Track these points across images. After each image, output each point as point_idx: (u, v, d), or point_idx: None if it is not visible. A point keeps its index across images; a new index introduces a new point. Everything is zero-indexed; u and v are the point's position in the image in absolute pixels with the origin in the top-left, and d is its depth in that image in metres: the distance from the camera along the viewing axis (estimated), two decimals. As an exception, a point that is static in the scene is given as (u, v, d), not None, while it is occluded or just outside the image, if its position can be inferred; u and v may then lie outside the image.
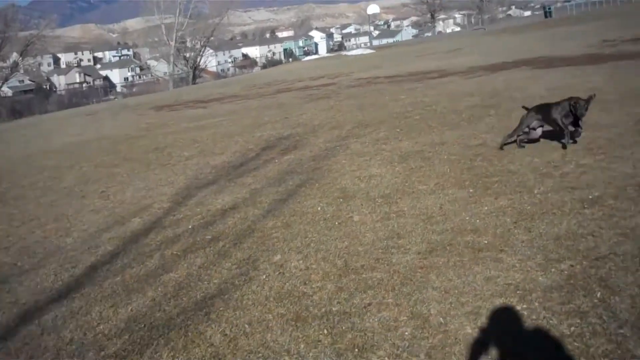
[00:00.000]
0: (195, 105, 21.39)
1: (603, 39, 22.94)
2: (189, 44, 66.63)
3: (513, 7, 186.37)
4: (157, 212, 7.01)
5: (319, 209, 6.00)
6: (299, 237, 5.29)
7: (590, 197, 5.01)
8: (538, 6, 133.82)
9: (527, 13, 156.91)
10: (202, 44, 68.47)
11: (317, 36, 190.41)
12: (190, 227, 6.16)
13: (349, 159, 8.07)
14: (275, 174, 7.91)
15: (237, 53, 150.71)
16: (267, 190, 7.11)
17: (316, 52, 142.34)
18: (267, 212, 6.18)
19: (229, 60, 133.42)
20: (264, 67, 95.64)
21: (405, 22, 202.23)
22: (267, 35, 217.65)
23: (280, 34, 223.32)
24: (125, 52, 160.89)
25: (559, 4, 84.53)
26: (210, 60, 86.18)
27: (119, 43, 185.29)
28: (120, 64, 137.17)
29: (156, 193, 7.97)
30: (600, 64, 14.30)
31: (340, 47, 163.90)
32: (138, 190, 8.30)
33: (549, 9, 67.76)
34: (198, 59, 67.79)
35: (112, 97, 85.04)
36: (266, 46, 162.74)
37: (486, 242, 4.50)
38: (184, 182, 8.40)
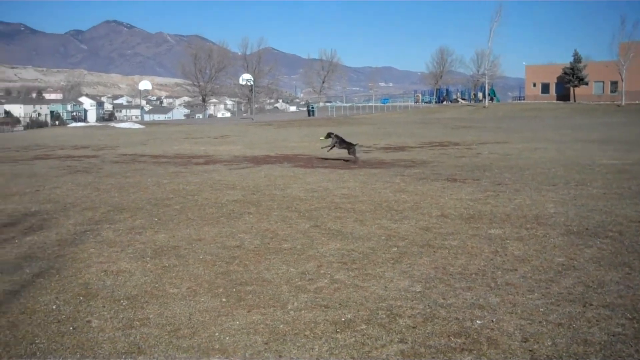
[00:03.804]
0: (-64, 163, 19.10)
1: (359, 144, 24.69)
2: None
3: (280, 100, 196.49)
4: None
5: (54, 307, 5.35)
6: (24, 343, 4.60)
7: (342, 319, 4.98)
8: (303, 102, 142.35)
9: (293, 108, 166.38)
10: (-43, 94, 62.70)
11: (87, 103, 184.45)
12: None
13: (99, 248, 7.46)
14: (11, 258, 7.04)
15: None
16: (-1, 277, 6.27)
17: (85, 119, 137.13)
18: (-7, 307, 5.39)
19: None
20: (27, 127, 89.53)
21: (178, 101, 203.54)
22: (34, 95, 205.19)
23: (48, 96, 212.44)
24: None
25: (321, 104, 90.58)
26: (-33, 113, 79.35)
27: None
28: None
29: None
30: (355, 170, 15.20)
31: (111, 116, 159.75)
32: None
33: (313, 107, 72.24)
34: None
35: None
36: (31, 106, 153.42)
37: (234, 366, 4.23)
38: None
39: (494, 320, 4.91)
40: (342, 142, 17.12)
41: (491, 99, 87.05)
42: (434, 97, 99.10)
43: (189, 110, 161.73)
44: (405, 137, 28.66)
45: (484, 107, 76.55)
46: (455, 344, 4.48)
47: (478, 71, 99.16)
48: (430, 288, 5.73)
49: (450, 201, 10.35)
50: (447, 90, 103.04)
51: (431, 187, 11.95)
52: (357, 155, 17.22)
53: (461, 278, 6.03)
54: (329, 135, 17.32)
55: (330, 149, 17.20)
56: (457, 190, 11.59)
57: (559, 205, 9.85)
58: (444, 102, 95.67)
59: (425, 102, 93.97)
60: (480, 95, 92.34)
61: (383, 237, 7.80)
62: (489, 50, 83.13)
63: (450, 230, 8.17)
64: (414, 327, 4.78)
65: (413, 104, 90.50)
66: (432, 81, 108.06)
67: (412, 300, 5.39)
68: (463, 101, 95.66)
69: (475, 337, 4.59)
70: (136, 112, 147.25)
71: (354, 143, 17.41)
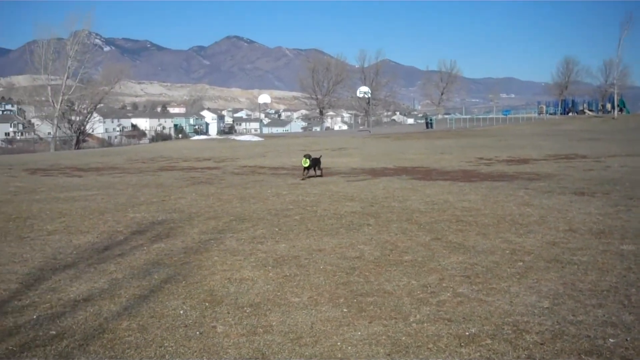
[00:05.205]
0: (72, 173, 20.40)
1: (479, 156, 24.16)
2: (75, 108, 65.02)
3: (398, 112, 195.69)
4: (1, 294, 6.27)
5: (181, 312, 5.55)
6: (154, 346, 4.79)
7: (466, 333, 4.86)
8: (421, 115, 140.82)
9: (410, 120, 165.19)
10: (89, 109, 66.96)
11: (209, 116, 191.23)
12: (35, 317, 5.50)
13: (222, 256, 7.68)
14: (141, 264, 7.38)
15: (127, 122, 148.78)
16: (129, 282, 6.57)
17: (206, 132, 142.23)
18: (124, 310, 5.65)
19: (117, 128, 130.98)
20: (153, 140, 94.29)
21: (296, 114, 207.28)
22: (159, 109, 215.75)
23: (172, 110, 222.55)
24: (9, 107, 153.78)
25: (439, 116, 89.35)
26: (98, 127, 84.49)
27: (2, 98, 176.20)
28: (2, 118, 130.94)
29: (5, 270, 7.18)
30: (476, 182, 14.86)
31: (231, 129, 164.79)
32: (-16, 266, 7.47)
33: (431, 120, 71.29)
34: (84, 124, 66.17)
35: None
36: (157, 119, 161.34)
37: (358, 377, 4.21)
38: (40, 261, 7.65)
39: (628, 339, 4.63)
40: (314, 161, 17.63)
41: (620, 110, 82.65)
42: (559, 108, 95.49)
43: (307, 123, 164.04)
44: (529, 150, 27.76)
45: (613, 118, 72.89)
46: (587, 363, 4.26)
47: (606, 81, 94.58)
48: (558, 304, 5.49)
49: (579, 215, 9.91)
50: (572, 101, 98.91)
51: (557, 201, 11.49)
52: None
53: (592, 295, 5.74)
54: (309, 157, 17.44)
55: (308, 171, 17.40)
56: (586, 204, 11.08)
57: (699, 221, 9.20)
58: (570, 114, 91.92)
59: (549, 114, 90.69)
60: (608, 106, 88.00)
61: (507, 251, 7.57)
62: (618, 59, 79.08)
63: (579, 245, 7.81)
64: (541, 344, 4.59)
65: (537, 115, 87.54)
66: (556, 92, 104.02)
67: (540, 316, 5.18)
68: (590, 112, 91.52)
69: (608, 355, 4.35)
70: (255, 125, 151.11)
71: (318, 156, 18.11)
